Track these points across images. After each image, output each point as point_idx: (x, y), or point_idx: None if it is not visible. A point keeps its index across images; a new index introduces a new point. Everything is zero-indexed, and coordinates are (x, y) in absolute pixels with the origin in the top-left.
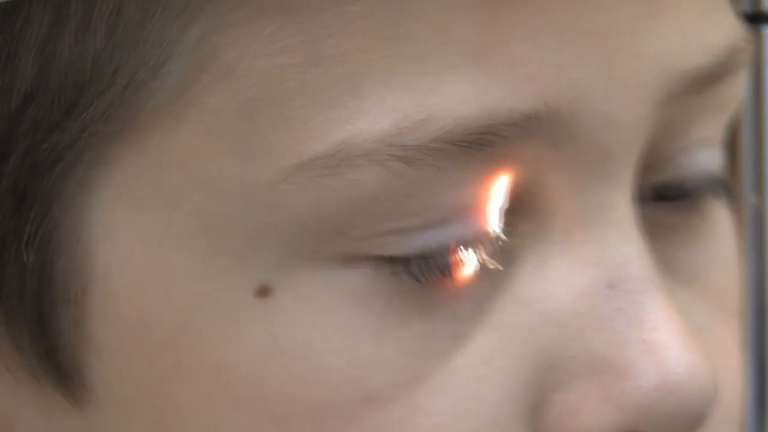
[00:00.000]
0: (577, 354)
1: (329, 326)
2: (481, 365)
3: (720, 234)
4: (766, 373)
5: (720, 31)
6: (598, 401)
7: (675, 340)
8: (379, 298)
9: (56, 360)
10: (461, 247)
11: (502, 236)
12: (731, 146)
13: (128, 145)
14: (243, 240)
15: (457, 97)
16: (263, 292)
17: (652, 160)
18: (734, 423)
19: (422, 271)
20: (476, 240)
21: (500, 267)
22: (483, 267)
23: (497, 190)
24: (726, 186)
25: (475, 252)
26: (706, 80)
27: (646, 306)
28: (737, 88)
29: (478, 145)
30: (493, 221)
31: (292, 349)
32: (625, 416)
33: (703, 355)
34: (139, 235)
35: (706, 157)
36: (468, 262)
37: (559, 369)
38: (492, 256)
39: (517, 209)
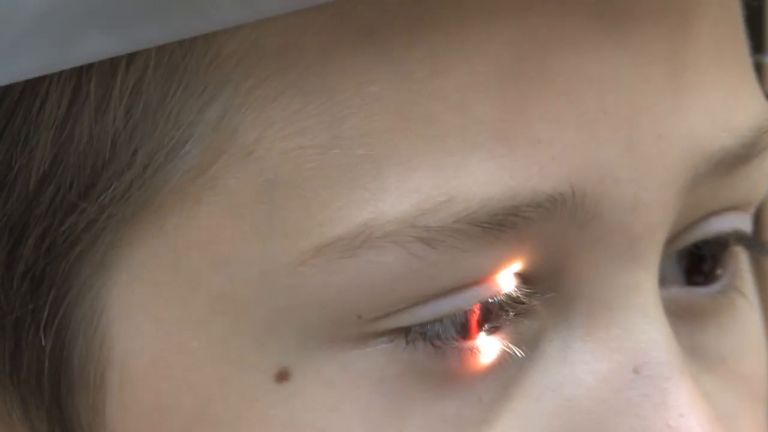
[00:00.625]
0: None
1: (349, 410)
2: None
3: (746, 318)
4: None
5: (747, 111)
6: None
7: (701, 427)
8: (397, 380)
9: None
10: (482, 327)
11: (524, 319)
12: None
13: (146, 227)
14: (262, 323)
15: (480, 177)
16: (283, 376)
17: (677, 234)
18: None
19: (439, 335)
20: (498, 322)
21: (522, 351)
22: (506, 352)
23: (520, 272)
24: (756, 243)
25: (498, 337)
26: (733, 162)
27: (672, 392)
28: (766, 170)
29: (501, 226)
30: (515, 303)
31: None
32: None
33: None
34: (156, 319)
35: (732, 221)
36: (490, 346)
37: None
38: (514, 339)
39: (540, 292)
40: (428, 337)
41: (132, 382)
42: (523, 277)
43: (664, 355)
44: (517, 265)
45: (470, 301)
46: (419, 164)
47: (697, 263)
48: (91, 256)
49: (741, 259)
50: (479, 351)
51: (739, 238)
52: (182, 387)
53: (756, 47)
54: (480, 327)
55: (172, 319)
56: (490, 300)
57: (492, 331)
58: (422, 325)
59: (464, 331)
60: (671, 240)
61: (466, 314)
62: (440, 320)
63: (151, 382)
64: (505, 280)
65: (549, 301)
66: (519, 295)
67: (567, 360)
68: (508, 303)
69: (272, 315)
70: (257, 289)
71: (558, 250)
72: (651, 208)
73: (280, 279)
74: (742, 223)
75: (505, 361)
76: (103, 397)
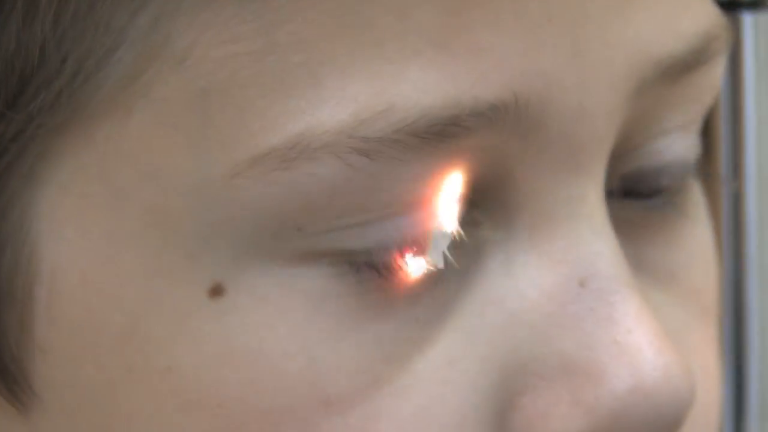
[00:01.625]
0: (546, 356)
1: (284, 328)
2: (445, 368)
3: (696, 230)
4: (744, 375)
5: (695, 17)
6: (567, 406)
7: (649, 342)
8: (336, 300)
9: (0, 363)
10: (421, 243)
11: (465, 233)
12: (706, 136)
13: (76, 138)
14: (195, 237)
15: (420, 86)
16: (216, 291)
17: (623, 150)
18: (711, 428)
19: (382, 263)
20: (437, 236)
21: (463, 265)
22: (445, 266)
23: (461, 184)
24: (702, 170)
25: (436, 249)
26: (680, 69)
27: (619, 306)
28: (714, 78)
29: (441, 136)
30: (455, 216)
31: (246, 352)
32: (596, 422)
33: (679, 357)
34: (86, 232)
35: (679, 145)
36: (428, 259)
37: (527, 372)
38: (454, 254)
39: (481, 204)
40: (372, 264)
41: (60, 297)
42: (465, 189)
43: (610, 268)
44: (458, 177)
45: (412, 231)
46: (357, 72)
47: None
48: (19, 167)
49: (690, 177)
50: (417, 268)
51: (685, 164)
52: (112, 303)
53: None
54: (418, 243)
55: (102, 232)
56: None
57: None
58: (366, 252)
59: (402, 249)
60: (617, 157)
61: (408, 246)
62: (382, 249)
63: (81, 297)
64: (450, 211)
65: (491, 213)
66: (463, 231)
67: (510, 273)
68: (452, 237)
69: (206, 228)
70: (190, 201)
71: (501, 161)
72: (596, 115)
73: (213, 191)
74: (687, 145)
75: (445, 277)
76: (31, 312)
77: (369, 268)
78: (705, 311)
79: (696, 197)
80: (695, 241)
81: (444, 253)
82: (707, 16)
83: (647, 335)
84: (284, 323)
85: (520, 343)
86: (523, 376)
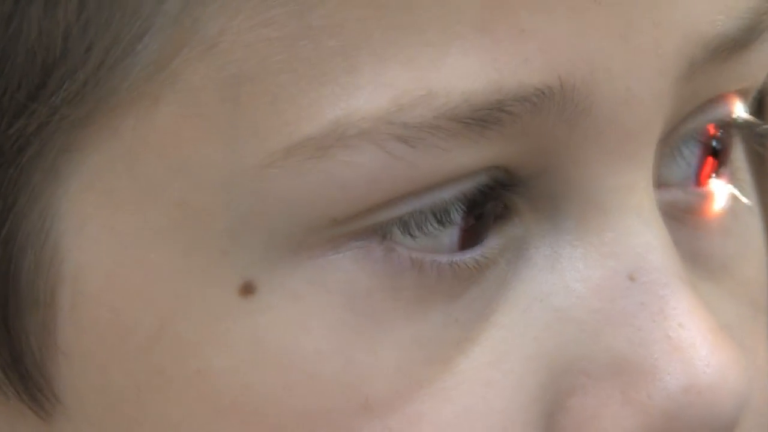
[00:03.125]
0: (595, 354)
1: (318, 328)
2: (489, 369)
3: (747, 221)
4: None
5: None
6: (618, 406)
7: (702, 338)
8: (371, 298)
9: (22, 368)
10: (460, 236)
11: (508, 226)
12: (760, 117)
13: (101, 130)
14: (226, 233)
15: (461, 70)
16: (247, 289)
17: (673, 136)
18: (765, 428)
19: (419, 226)
20: (479, 230)
21: (506, 260)
22: (487, 261)
23: (504, 174)
24: (754, 153)
25: (480, 244)
26: (730, 48)
27: (670, 300)
28: (766, 55)
29: (485, 122)
30: (499, 208)
31: (280, 353)
32: (649, 421)
33: (734, 353)
34: (112, 230)
35: (730, 107)
36: (469, 253)
37: (576, 371)
38: (497, 248)
39: (526, 195)
40: (407, 228)
41: (85, 300)
42: (509, 179)
43: (661, 260)
44: (502, 166)
45: (451, 192)
46: (395, 56)
47: (695, 165)
48: (42, 162)
49: (740, 162)
50: (458, 263)
51: (738, 123)
52: (140, 304)
53: None
54: (461, 228)
55: (129, 229)
56: (471, 198)
57: (473, 235)
58: (400, 217)
59: (443, 223)
60: (667, 137)
61: (446, 207)
62: (419, 211)
63: (107, 299)
64: (494, 203)
65: (536, 203)
66: (504, 196)
67: (556, 268)
68: (493, 204)
69: (237, 223)
70: (221, 194)
71: (546, 149)
72: (645, 101)
73: (245, 183)
74: (740, 108)
75: (487, 272)
76: (54, 315)
77: (404, 258)
78: (756, 305)
79: (747, 183)
80: (747, 230)
81: (486, 247)
82: None
83: (701, 330)
84: (318, 322)
85: (567, 341)
86: (571, 376)
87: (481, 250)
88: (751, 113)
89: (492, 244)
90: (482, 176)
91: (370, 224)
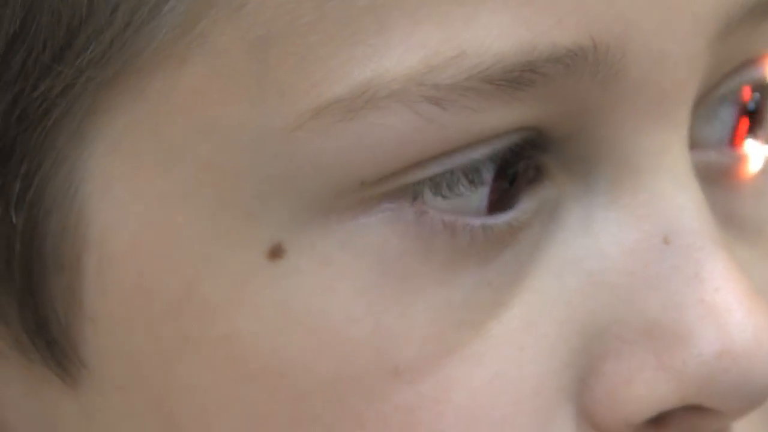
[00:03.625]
0: (628, 318)
1: (348, 292)
2: (522, 333)
3: None
4: None
5: None
6: (652, 371)
7: (738, 302)
8: (401, 261)
9: (47, 333)
10: (492, 198)
11: (541, 188)
12: None
13: (127, 92)
14: (253, 195)
15: (493, 31)
16: (275, 253)
17: (708, 98)
18: None
19: (450, 187)
20: (512, 192)
21: (538, 223)
22: (519, 224)
23: (537, 136)
24: None
25: (510, 205)
26: (767, 6)
27: (706, 264)
28: None
29: (518, 83)
30: (531, 170)
31: (308, 317)
32: (683, 387)
33: None
34: (138, 192)
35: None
36: (501, 216)
37: (609, 335)
38: (530, 210)
39: (559, 157)
40: (438, 189)
41: (111, 263)
42: (541, 140)
43: (696, 222)
44: (534, 127)
45: (483, 152)
46: (426, 16)
47: (730, 126)
48: (67, 124)
49: None
50: (491, 226)
51: None
52: (167, 267)
53: None
54: (493, 191)
55: (155, 192)
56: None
57: (506, 198)
58: (431, 178)
59: (475, 183)
60: (702, 97)
61: (477, 166)
62: (450, 171)
63: (133, 262)
64: (527, 164)
65: (569, 165)
66: (536, 157)
67: (589, 231)
68: (525, 164)
69: (265, 185)
70: (248, 156)
71: (579, 110)
72: (680, 61)
73: (273, 145)
74: None
75: (519, 235)
76: (80, 279)
77: (434, 218)
78: None
79: None
80: None
81: (518, 211)
82: None
83: (736, 294)
84: (348, 286)
85: (600, 305)
86: (604, 340)
87: (513, 213)
88: None
89: (525, 207)
90: (514, 136)
91: (400, 185)
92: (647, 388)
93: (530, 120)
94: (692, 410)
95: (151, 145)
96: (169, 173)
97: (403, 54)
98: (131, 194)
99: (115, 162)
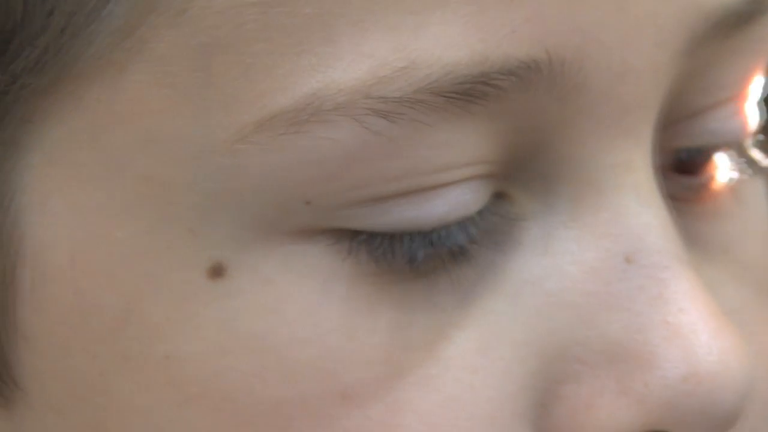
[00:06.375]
0: (589, 340)
1: (292, 313)
2: (475, 355)
3: (749, 202)
4: None
5: None
6: (614, 395)
7: (704, 324)
8: (345, 283)
9: None
10: (442, 221)
11: (497, 207)
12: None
13: (64, 100)
14: (195, 210)
15: (443, 41)
16: (216, 271)
17: (674, 117)
18: None
19: (394, 245)
20: (465, 216)
21: (493, 243)
22: (470, 245)
23: (492, 153)
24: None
25: (462, 229)
26: (734, 21)
27: (670, 284)
28: None
29: (469, 96)
30: (485, 190)
31: (251, 338)
32: (646, 412)
33: (737, 339)
34: (76, 206)
35: (732, 116)
36: (450, 239)
37: (569, 358)
38: (483, 231)
39: (516, 175)
40: (375, 253)
41: (47, 279)
42: (497, 159)
43: (660, 241)
44: (488, 146)
45: (434, 211)
46: (375, 25)
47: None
48: (1, 133)
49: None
50: (435, 248)
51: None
52: (105, 284)
53: None
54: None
55: (93, 205)
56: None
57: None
58: (371, 235)
59: (422, 253)
60: (668, 126)
61: (422, 210)
62: (397, 223)
63: (69, 278)
64: (480, 185)
65: (527, 185)
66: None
67: (549, 250)
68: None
69: (206, 200)
70: (189, 169)
71: (536, 127)
72: (642, 75)
73: (215, 158)
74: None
75: (469, 256)
76: (14, 296)
77: (380, 250)
78: (761, 289)
79: (752, 165)
80: (749, 214)
81: (468, 232)
82: None
83: (702, 315)
84: (292, 307)
85: (560, 326)
86: (564, 363)
87: (465, 233)
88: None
89: (474, 229)
90: (470, 186)
91: (342, 227)
92: (608, 412)
93: (483, 137)
94: None
95: (90, 156)
96: (108, 186)
97: (350, 64)
98: (69, 207)
99: (52, 173)
